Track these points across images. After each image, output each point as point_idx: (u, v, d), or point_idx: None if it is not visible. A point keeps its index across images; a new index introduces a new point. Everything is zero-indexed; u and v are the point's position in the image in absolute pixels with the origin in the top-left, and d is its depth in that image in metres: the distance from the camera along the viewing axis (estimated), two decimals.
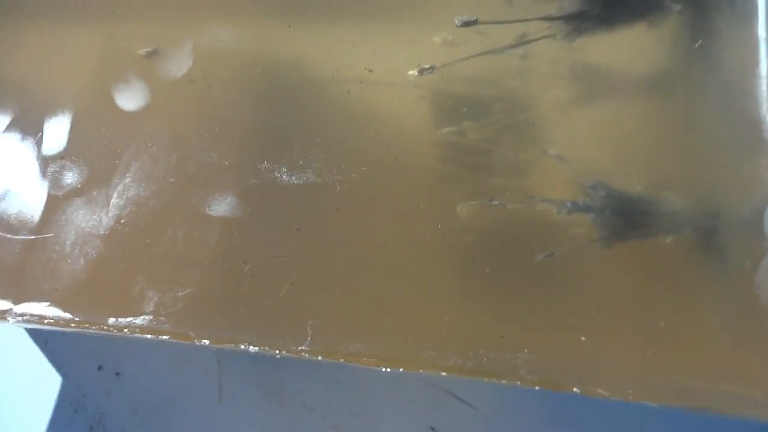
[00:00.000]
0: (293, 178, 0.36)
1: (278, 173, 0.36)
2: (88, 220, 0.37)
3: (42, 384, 0.75)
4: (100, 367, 0.78)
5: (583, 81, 0.38)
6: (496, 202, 0.36)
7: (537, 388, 0.29)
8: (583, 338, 0.30)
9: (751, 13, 0.32)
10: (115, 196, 0.38)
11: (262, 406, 0.75)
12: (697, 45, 0.32)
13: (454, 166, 0.37)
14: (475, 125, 0.38)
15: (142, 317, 0.34)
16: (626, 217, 0.35)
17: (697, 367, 0.29)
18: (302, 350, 0.31)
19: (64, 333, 0.76)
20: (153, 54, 0.41)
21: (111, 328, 0.34)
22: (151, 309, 0.34)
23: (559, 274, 0.33)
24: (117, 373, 0.78)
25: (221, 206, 0.36)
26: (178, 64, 0.40)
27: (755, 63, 0.30)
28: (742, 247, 0.30)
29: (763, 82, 0.30)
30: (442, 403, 0.72)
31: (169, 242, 0.36)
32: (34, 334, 0.75)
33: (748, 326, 0.29)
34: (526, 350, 0.30)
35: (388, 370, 0.30)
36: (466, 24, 0.39)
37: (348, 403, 0.73)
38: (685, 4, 0.36)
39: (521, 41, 0.39)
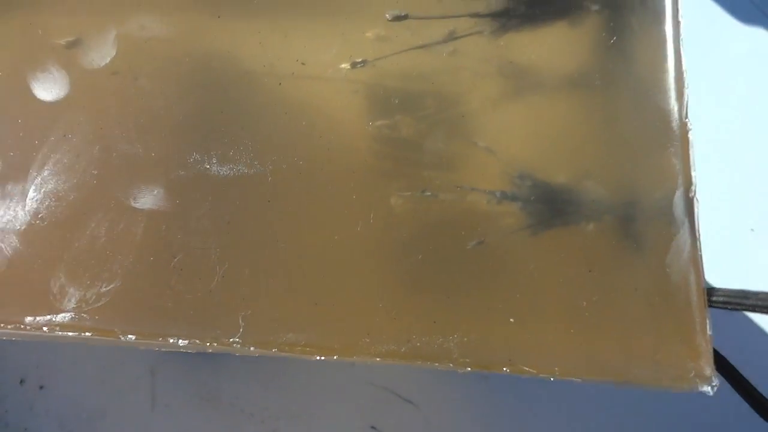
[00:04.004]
0: (224, 169, 0.35)
1: (208, 165, 0.36)
2: (2, 216, 0.35)
3: None
4: (22, 381, 0.74)
5: (510, 76, 0.39)
6: (429, 193, 0.37)
7: (469, 369, 0.30)
8: (511, 320, 0.31)
9: (659, 13, 0.34)
10: (32, 189, 0.36)
11: (198, 413, 0.73)
12: (611, 42, 0.34)
13: (386, 158, 0.37)
14: (408, 118, 0.39)
15: (62, 315, 0.32)
16: (551, 206, 0.36)
17: (618, 343, 0.30)
18: (234, 342, 0.31)
19: None
20: (75, 44, 0.40)
21: (28, 327, 0.32)
22: (73, 306, 0.32)
23: (490, 260, 0.34)
24: (41, 387, 0.73)
25: (148, 199, 0.35)
26: (102, 55, 0.39)
27: (663, 59, 0.33)
28: (655, 231, 0.32)
29: (671, 76, 0.32)
30: (382, 402, 0.72)
31: (91, 237, 0.34)
32: None
33: (662, 303, 0.30)
34: (457, 334, 0.31)
35: (323, 358, 0.30)
36: (397, 18, 0.40)
37: (287, 406, 0.72)
38: (602, 3, 0.38)
39: (451, 37, 0.40)
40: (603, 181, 0.35)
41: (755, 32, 0.81)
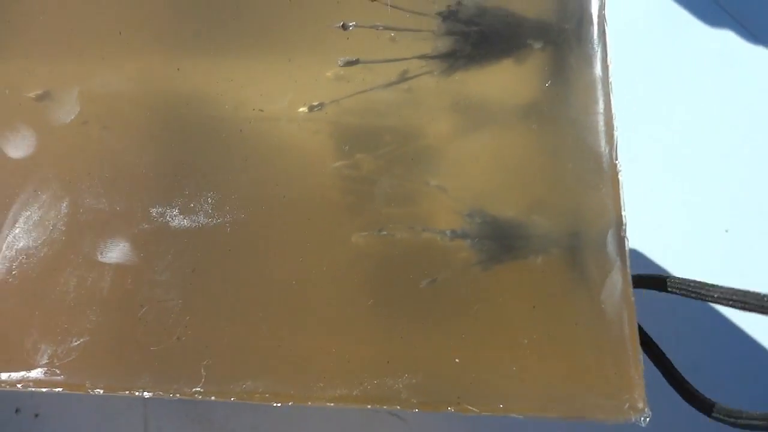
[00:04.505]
0: (185, 221, 0.37)
1: (170, 217, 0.37)
2: None
3: None
4: (17, 410, 0.75)
5: (461, 113, 0.41)
6: (385, 233, 0.38)
7: (416, 410, 0.31)
8: (457, 360, 0.33)
9: (590, 55, 0.35)
10: (4, 247, 0.38)
11: None
12: (547, 84, 0.36)
13: (343, 200, 0.39)
14: (367, 157, 0.40)
15: (35, 371, 0.34)
16: (500, 241, 0.38)
17: (558, 379, 0.32)
18: (196, 392, 0.33)
19: None
20: (42, 98, 0.41)
21: (4, 384, 0.34)
22: (45, 361, 0.34)
23: (442, 298, 0.36)
24: (36, 415, 0.75)
25: (113, 252, 0.37)
26: (67, 110, 0.41)
27: (594, 101, 0.34)
28: (593, 267, 0.33)
29: (601, 118, 0.34)
30: (371, 418, 0.74)
31: (61, 292, 0.36)
32: None
33: (599, 338, 0.32)
34: (407, 375, 0.33)
35: (279, 405, 0.32)
36: (349, 64, 0.42)
37: (277, 427, 0.74)
38: (544, 42, 0.40)
39: (404, 77, 0.42)
40: (548, 216, 0.37)
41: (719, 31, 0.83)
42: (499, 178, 0.39)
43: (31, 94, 0.41)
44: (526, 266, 0.36)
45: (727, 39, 0.83)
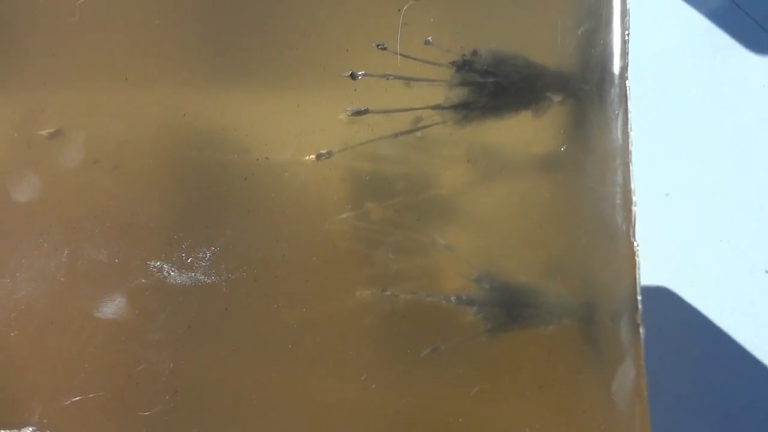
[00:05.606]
0: (181, 277, 0.36)
1: (167, 272, 0.36)
2: None
3: None
4: None
5: (475, 164, 0.39)
6: (389, 293, 0.37)
7: None
8: None
9: (612, 119, 0.33)
10: (4, 296, 0.37)
11: None
12: (562, 149, 0.34)
13: (348, 254, 0.38)
14: (376, 206, 0.39)
15: (25, 429, 0.34)
16: (509, 309, 0.36)
17: None
18: None
19: None
20: (52, 138, 0.41)
21: None
22: (35, 419, 0.34)
23: (443, 371, 0.34)
24: None
25: (109, 308, 0.36)
26: (72, 156, 0.40)
27: (613, 171, 0.32)
28: (606, 348, 0.31)
29: (618, 190, 0.31)
30: None
31: (56, 347, 0.35)
32: None
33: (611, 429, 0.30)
34: None
35: None
36: (358, 114, 0.40)
37: None
38: (564, 95, 0.38)
39: (416, 126, 0.40)
40: (560, 284, 0.34)
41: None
42: (510, 241, 0.36)
43: (43, 132, 0.41)
44: (536, 336, 0.34)
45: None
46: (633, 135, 0.31)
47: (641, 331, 0.30)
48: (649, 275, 0.73)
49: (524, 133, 0.38)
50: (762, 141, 0.71)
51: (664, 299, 0.74)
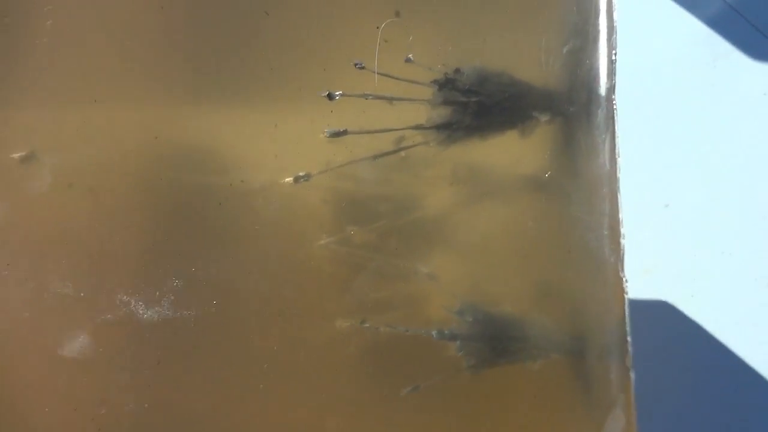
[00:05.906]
0: (149, 312, 0.34)
1: (134, 307, 0.35)
2: None
3: None
4: None
5: (459, 185, 0.37)
6: (368, 325, 0.35)
7: None
8: None
9: (599, 143, 0.31)
10: None
11: None
12: (546, 175, 0.32)
13: (325, 284, 0.36)
14: (358, 230, 0.37)
15: None
16: (493, 343, 0.34)
17: None
18: None
19: None
20: (22, 163, 0.39)
21: None
22: None
23: (422, 412, 0.32)
24: None
25: (73, 346, 0.34)
26: (40, 182, 0.38)
27: (601, 199, 0.30)
28: (595, 390, 0.29)
29: (606, 221, 0.29)
30: None
31: (19, 388, 0.34)
32: None
33: None
34: None
35: None
36: (336, 135, 0.38)
37: None
38: (551, 115, 0.36)
39: (398, 147, 0.38)
40: (547, 317, 0.32)
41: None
42: (495, 270, 0.35)
43: (15, 155, 0.40)
44: (522, 372, 0.32)
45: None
46: (621, 161, 0.29)
47: (632, 375, 0.28)
48: (649, 288, 0.71)
49: (510, 153, 0.37)
50: (763, 150, 0.68)
51: (664, 312, 0.72)
